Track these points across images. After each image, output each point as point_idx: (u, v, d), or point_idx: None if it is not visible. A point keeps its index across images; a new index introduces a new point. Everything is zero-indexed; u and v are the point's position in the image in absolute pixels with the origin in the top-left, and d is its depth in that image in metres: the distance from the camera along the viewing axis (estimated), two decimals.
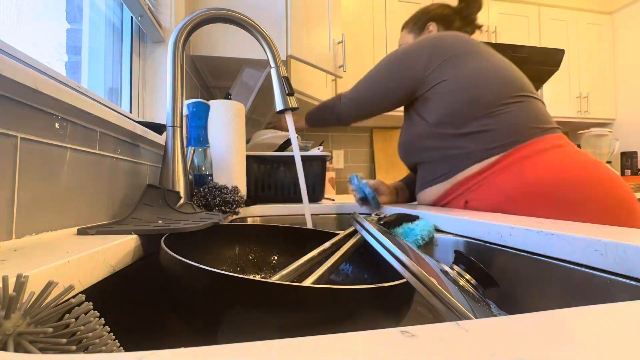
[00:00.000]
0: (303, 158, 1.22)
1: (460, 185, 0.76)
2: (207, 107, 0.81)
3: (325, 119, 1.05)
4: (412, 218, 0.65)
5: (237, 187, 0.76)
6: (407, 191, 1.04)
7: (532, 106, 0.75)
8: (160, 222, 0.49)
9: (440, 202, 0.84)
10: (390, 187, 0.98)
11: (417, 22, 1.01)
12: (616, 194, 0.62)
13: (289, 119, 0.72)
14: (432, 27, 0.97)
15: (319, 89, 1.85)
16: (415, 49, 0.84)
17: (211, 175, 0.80)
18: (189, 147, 0.77)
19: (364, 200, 0.92)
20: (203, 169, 0.78)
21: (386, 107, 0.90)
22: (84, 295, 0.20)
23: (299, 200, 1.12)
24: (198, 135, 0.79)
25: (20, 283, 0.18)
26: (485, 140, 0.72)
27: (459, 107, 0.76)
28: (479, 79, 0.77)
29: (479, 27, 0.99)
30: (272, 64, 0.72)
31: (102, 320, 0.21)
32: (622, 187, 0.64)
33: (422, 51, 0.82)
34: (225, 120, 0.93)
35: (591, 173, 0.64)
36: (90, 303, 0.20)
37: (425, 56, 0.81)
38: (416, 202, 0.97)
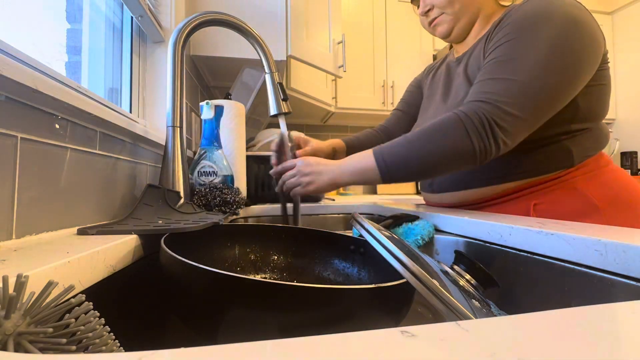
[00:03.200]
0: None
1: (528, 186, 0.64)
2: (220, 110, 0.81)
3: (437, 163, 0.58)
4: (412, 218, 0.65)
5: (238, 188, 0.76)
6: (345, 154, 0.87)
7: None
8: (161, 222, 0.49)
9: (480, 203, 0.70)
10: (322, 146, 0.84)
11: None
12: None
13: (282, 123, 0.74)
14: None
15: (319, 89, 1.85)
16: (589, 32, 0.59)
17: (231, 175, 0.78)
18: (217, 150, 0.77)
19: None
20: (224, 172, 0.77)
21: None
22: (84, 295, 0.20)
23: None
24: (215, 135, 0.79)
25: (20, 283, 0.18)
26: (585, 145, 0.63)
27: (593, 103, 0.62)
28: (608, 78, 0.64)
29: None
30: (267, 70, 0.74)
31: (102, 320, 0.21)
32: None
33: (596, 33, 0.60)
34: (226, 120, 0.93)
35: None
36: (90, 303, 0.20)
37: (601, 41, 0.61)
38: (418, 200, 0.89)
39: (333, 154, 0.88)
